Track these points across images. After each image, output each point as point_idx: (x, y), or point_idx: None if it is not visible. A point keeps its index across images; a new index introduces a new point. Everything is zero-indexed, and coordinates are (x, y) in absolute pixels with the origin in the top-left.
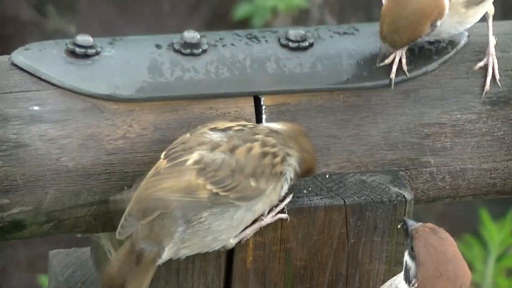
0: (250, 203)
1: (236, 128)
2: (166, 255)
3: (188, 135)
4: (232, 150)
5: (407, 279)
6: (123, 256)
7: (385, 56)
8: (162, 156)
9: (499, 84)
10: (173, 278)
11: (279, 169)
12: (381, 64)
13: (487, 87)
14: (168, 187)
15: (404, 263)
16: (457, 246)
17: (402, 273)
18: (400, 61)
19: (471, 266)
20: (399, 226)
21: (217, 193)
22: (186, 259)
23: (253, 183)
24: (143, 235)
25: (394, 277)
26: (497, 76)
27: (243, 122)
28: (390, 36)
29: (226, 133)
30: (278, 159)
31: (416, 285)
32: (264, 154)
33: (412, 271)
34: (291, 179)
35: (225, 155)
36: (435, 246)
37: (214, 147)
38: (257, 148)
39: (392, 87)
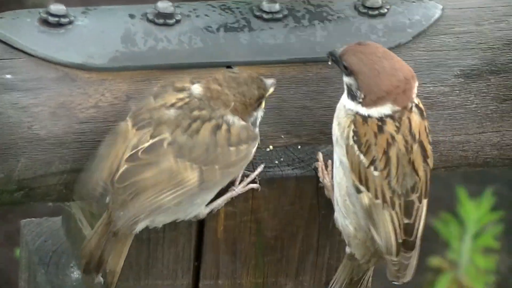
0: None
1: (178, 104)
2: (142, 223)
3: (151, 99)
4: (187, 130)
5: (354, 97)
6: (101, 229)
7: None
8: (129, 121)
9: None
10: (144, 248)
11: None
12: None
13: None
14: (152, 186)
15: (345, 86)
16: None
17: (345, 95)
18: None
19: (448, 244)
20: (329, 62)
21: (201, 169)
22: (157, 229)
23: (232, 148)
24: (119, 205)
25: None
26: None
27: (181, 95)
28: None
29: (175, 111)
30: (224, 128)
31: (362, 95)
32: (213, 131)
33: (354, 86)
34: (246, 119)
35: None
36: (363, 51)
37: (173, 128)
38: (202, 126)
39: None
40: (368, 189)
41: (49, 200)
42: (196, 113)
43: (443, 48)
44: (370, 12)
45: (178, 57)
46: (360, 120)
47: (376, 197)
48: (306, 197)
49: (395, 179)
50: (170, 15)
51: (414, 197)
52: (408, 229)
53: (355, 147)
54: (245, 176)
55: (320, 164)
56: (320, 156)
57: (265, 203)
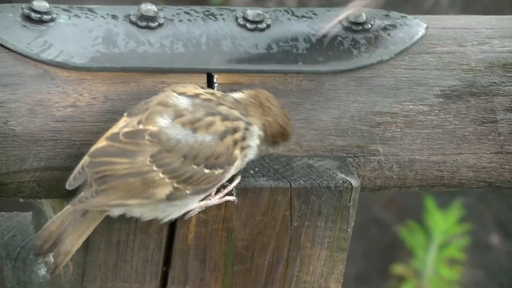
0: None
1: (204, 96)
2: (118, 209)
3: (167, 90)
4: (193, 123)
5: None
6: (69, 210)
7: None
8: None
9: None
10: (113, 250)
11: (241, 145)
12: None
13: None
14: (121, 177)
15: None
16: None
17: None
18: None
19: (412, 252)
20: None
21: (173, 188)
22: (127, 232)
23: (206, 170)
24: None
25: None
26: None
27: (212, 91)
28: None
29: (193, 101)
30: (238, 135)
31: None
32: (225, 133)
33: None
34: (258, 147)
35: (183, 130)
36: None
37: (177, 115)
38: (218, 124)
39: None
40: None
41: (21, 196)
42: (222, 108)
43: (425, 67)
44: (354, 27)
45: (159, 61)
46: None
47: None
48: (279, 208)
49: None
50: (153, 18)
51: None
52: None
53: None
54: (222, 186)
55: None
56: None
57: (238, 212)
